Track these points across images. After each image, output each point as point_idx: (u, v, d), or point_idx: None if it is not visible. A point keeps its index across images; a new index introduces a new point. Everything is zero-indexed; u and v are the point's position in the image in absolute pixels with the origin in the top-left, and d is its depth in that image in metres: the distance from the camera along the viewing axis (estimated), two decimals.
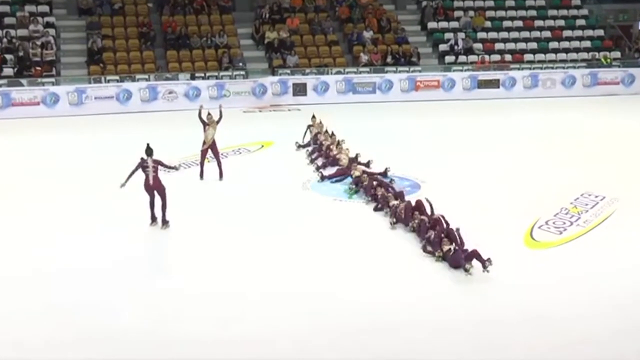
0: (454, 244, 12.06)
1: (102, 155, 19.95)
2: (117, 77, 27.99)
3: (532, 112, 26.59)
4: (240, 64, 29.49)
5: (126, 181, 13.84)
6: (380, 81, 29.43)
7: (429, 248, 12.40)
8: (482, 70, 30.53)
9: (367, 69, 29.96)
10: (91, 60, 28.80)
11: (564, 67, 30.96)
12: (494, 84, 30.01)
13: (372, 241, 13.19)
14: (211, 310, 10.42)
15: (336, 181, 16.82)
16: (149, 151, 14.04)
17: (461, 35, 32.14)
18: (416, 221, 13.33)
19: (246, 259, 12.31)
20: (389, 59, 30.59)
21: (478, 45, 32.25)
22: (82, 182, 17.25)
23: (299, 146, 20.52)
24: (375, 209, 14.74)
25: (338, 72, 29.79)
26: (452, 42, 31.78)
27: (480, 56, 31.49)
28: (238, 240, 13.26)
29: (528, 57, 31.97)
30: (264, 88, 28.56)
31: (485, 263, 11.34)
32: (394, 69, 30.10)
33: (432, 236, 12.42)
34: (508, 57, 31.81)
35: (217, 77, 28.62)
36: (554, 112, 26.49)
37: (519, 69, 30.78)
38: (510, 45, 32.52)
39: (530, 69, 30.78)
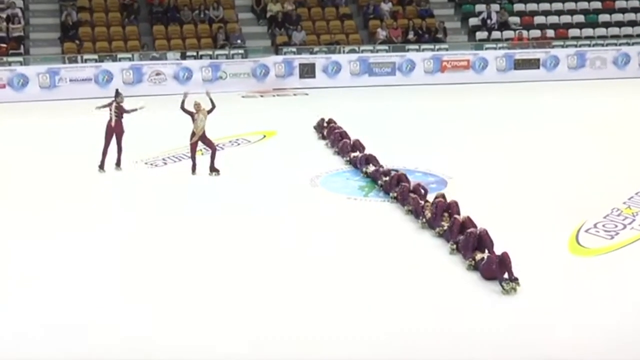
0: (486, 251, 12.01)
1: (77, 144, 19.99)
2: (95, 56, 28.09)
3: (578, 97, 26.51)
4: (239, 41, 29.52)
5: (101, 107, 17.61)
6: (400, 61, 29.42)
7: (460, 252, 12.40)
8: (519, 48, 30.48)
9: (386, 47, 29.96)
10: (65, 37, 28.86)
11: (616, 44, 30.91)
12: (533, 64, 29.98)
13: (394, 248, 13.11)
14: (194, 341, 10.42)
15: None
16: (116, 93, 17.75)
17: (495, 7, 32.09)
18: (445, 225, 13.29)
19: (246, 273, 12.27)
20: (410, 36, 30.56)
21: (515, 19, 32.18)
22: (53, 172, 17.33)
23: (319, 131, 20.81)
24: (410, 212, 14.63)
25: (352, 51, 29.80)
26: (485, 15, 31.73)
27: (517, 32, 31.42)
28: (236, 246, 13.24)
29: (573, 32, 31.88)
30: (266, 69, 28.59)
31: (510, 281, 11.22)
32: (416, 47, 30.09)
33: (465, 241, 12.35)
34: (550, 32, 31.74)
35: (211, 57, 28.71)
36: (604, 97, 26.40)
37: (562, 46, 30.72)
38: (553, 19, 32.44)
39: (576, 46, 30.72)
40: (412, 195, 14.78)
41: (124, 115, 17.46)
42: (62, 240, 13.47)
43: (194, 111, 16.83)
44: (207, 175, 17.07)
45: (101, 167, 17.57)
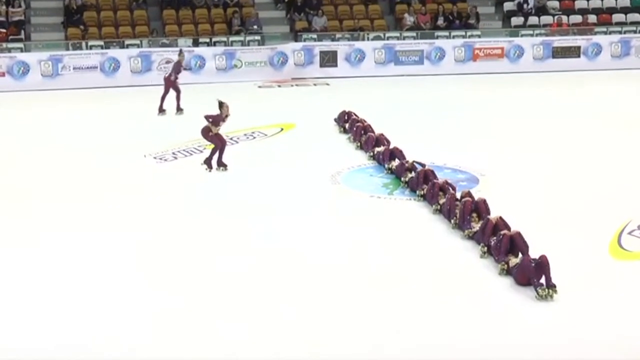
0: (520, 255, 11.99)
1: (81, 137, 20.15)
2: (101, 43, 28.22)
3: (622, 88, 26.37)
4: (255, 26, 29.58)
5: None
6: (429, 49, 29.39)
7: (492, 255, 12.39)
8: (558, 34, 30.36)
9: (413, 34, 29.92)
10: (69, 21, 29.02)
11: None
12: (573, 52, 29.87)
13: (420, 250, 13.06)
14: None
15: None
16: (179, 52, 23.84)
17: None
18: (475, 227, 13.27)
19: (260, 275, 12.29)
20: (440, 21, 30.53)
21: (553, 4, 32.08)
22: (55, 167, 17.50)
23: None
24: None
25: (376, 38, 29.81)
26: None
27: (556, 17, 31.31)
28: (250, 246, 13.28)
29: (618, 17, 31.72)
30: (284, 57, 28.64)
31: (547, 287, 11.21)
32: (446, 33, 30.04)
33: (497, 243, 12.34)
34: (592, 17, 31.59)
35: (225, 44, 28.78)
36: None
37: (605, 33, 30.59)
38: (595, 3, 32.31)
39: (620, 32, 30.57)
40: (447, 192, 14.70)
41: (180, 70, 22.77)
42: (67, 239, 13.57)
43: (222, 119, 16.84)
44: (220, 171, 17.10)
45: (160, 110, 22.48)
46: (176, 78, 22.60)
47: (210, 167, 17.13)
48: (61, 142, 19.97)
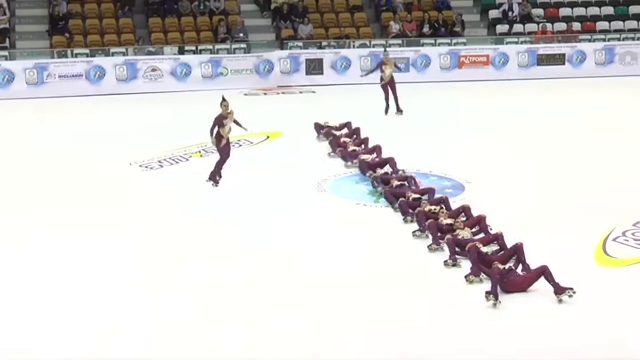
0: (513, 262, 12.08)
1: (67, 145, 20.11)
2: (86, 51, 28.17)
3: (606, 95, 26.48)
4: (241, 34, 29.60)
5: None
6: (415, 57, 29.45)
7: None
8: (543, 42, 30.48)
9: (399, 42, 29.98)
10: (54, 30, 28.96)
11: None
12: (558, 59, 29.98)
13: (407, 259, 13.09)
14: None
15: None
16: (385, 50, 25.52)
17: None
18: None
19: (246, 283, 12.29)
20: (426, 29, 30.60)
21: (538, 11, 32.19)
22: (40, 175, 17.45)
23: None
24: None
25: (362, 46, 29.84)
26: (506, 7, 31.75)
27: (541, 25, 31.42)
28: (236, 255, 13.28)
29: (602, 25, 31.87)
30: (271, 65, 28.65)
31: (565, 290, 11.34)
32: (432, 41, 30.10)
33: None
34: (576, 25, 31.73)
35: (212, 52, 28.77)
36: (635, 95, 26.36)
37: (590, 40, 30.73)
38: (580, 11, 32.44)
39: (604, 40, 30.71)
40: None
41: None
42: (53, 245, 13.59)
43: (224, 116, 16.45)
44: (206, 180, 17.04)
45: (386, 111, 23.79)
46: (382, 79, 23.72)
47: (216, 181, 16.84)
48: (46, 150, 19.94)
